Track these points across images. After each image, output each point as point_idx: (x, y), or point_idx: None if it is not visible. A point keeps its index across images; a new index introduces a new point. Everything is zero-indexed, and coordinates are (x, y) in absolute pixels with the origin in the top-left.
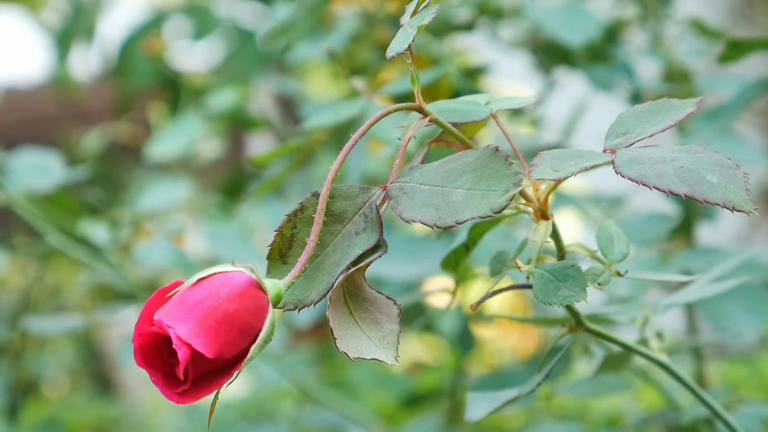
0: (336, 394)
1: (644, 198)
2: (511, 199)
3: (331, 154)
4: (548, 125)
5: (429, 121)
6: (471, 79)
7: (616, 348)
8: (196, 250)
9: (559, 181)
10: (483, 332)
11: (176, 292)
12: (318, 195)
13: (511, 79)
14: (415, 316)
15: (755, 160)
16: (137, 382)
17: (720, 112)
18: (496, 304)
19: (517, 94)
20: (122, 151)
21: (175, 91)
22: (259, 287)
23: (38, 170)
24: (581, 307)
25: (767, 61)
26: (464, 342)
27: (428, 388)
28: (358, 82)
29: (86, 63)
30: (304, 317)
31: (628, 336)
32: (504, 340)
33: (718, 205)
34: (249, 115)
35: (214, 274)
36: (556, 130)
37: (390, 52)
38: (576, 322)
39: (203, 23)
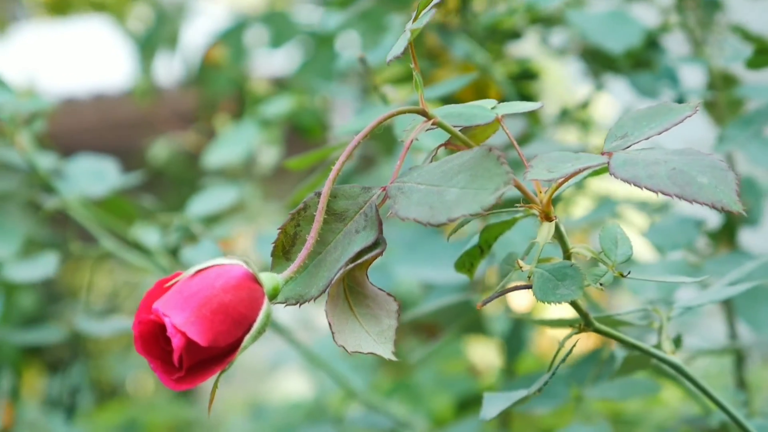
0: (398, 396)
1: (689, 204)
2: (501, 197)
3: (382, 157)
4: (598, 130)
5: (432, 124)
6: (523, 83)
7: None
8: (253, 254)
9: (559, 184)
10: (554, 333)
11: (175, 283)
12: (321, 194)
13: (576, 83)
14: (461, 315)
15: None
16: (211, 383)
17: (754, 117)
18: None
19: (567, 96)
20: (193, 158)
21: (242, 99)
22: (255, 280)
23: (94, 176)
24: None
25: None
26: (513, 343)
27: (487, 389)
28: (389, 90)
29: (169, 70)
30: None
31: (651, 339)
32: (571, 340)
33: (707, 205)
34: (309, 121)
35: (212, 266)
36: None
37: (389, 56)
38: (585, 322)
39: (282, 30)
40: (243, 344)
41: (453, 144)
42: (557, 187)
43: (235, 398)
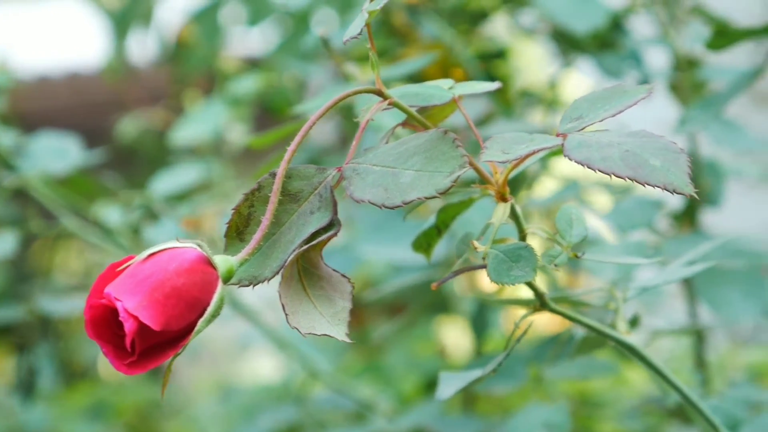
0: (365, 378)
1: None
2: (456, 181)
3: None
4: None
5: (389, 105)
6: (491, 64)
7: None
8: (217, 233)
9: (515, 165)
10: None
11: (127, 267)
12: (275, 175)
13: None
14: (427, 295)
15: (754, 147)
16: (183, 365)
17: (715, 99)
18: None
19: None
20: (161, 137)
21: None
22: (209, 263)
23: (56, 153)
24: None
25: None
26: (479, 324)
27: (455, 370)
28: (351, 68)
29: (143, 48)
30: None
31: (608, 319)
32: (542, 323)
33: (659, 187)
34: (278, 99)
35: (165, 249)
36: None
37: (345, 36)
38: (540, 303)
39: (259, 9)
40: (196, 328)
41: (411, 123)
42: (512, 168)
43: (204, 379)
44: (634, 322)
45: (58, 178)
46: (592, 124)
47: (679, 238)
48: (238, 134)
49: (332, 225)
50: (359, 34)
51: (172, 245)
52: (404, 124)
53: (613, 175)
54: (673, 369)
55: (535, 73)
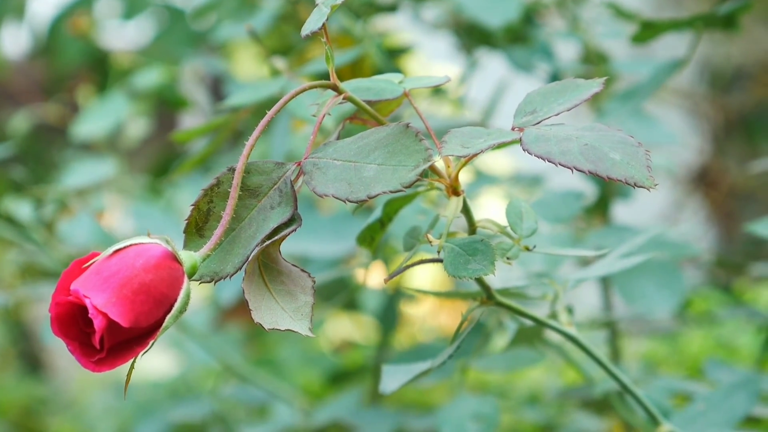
0: (263, 372)
1: (563, 177)
2: (421, 174)
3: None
4: (471, 105)
5: (343, 99)
6: (395, 59)
7: (529, 322)
8: (123, 229)
9: (469, 158)
10: (413, 310)
11: (93, 263)
12: (234, 170)
13: (441, 59)
14: (337, 291)
15: (666, 141)
16: (67, 361)
17: (633, 93)
18: (423, 281)
19: (433, 73)
20: (53, 132)
21: (104, 72)
22: (175, 259)
23: None
24: (496, 282)
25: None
26: (387, 319)
27: (355, 365)
28: (279, 62)
29: (17, 41)
30: (232, 295)
31: (542, 311)
32: (434, 319)
33: (620, 181)
34: (176, 94)
35: (131, 245)
36: (478, 109)
37: (304, 30)
38: (487, 295)
39: (134, 3)
40: (164, 324)
41: (359, 118)
42: (466, 162)
43: (91, 376)
44: (569, 313)
45: None
46: (547, 118)
47: (600, 230)
48: (138, 128)
49: (293, 220)
50: (320, 28)
51: (137, 240)
52: (352, 118)
53: (574, 169)
54: (583, 358)
55: (416, 67)
